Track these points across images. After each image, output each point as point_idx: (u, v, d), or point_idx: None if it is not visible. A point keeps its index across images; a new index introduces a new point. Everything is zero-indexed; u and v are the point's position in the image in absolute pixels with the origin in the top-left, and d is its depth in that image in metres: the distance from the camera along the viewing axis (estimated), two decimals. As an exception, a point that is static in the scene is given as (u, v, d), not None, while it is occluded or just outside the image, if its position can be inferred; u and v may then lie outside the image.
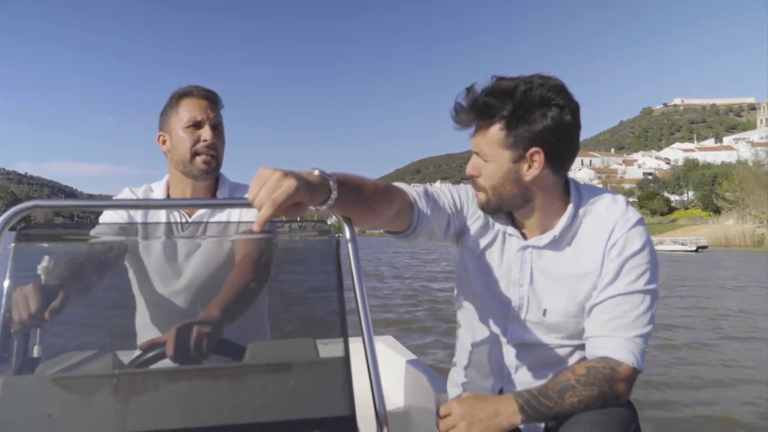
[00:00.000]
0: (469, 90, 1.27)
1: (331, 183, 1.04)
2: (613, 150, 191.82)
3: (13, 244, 1.02)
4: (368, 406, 0.97)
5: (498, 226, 1.41)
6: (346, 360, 0.98)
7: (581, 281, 1.31)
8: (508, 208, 1.35)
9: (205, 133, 1.59)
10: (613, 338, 1.23)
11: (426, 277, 18.18)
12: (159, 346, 1.11)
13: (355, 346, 0.98)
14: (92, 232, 1.33)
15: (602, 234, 1.29)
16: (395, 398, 2.06)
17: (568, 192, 1.36)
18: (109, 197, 1.01)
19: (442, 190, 1.44)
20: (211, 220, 1.66)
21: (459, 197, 1.43)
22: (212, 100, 1.63)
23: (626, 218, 1.30)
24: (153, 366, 1.08)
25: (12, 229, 0.99)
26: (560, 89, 1.24)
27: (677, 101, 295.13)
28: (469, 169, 1.34)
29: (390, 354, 2.19)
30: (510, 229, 1.39)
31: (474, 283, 1.44)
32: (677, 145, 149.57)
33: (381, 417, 0.96)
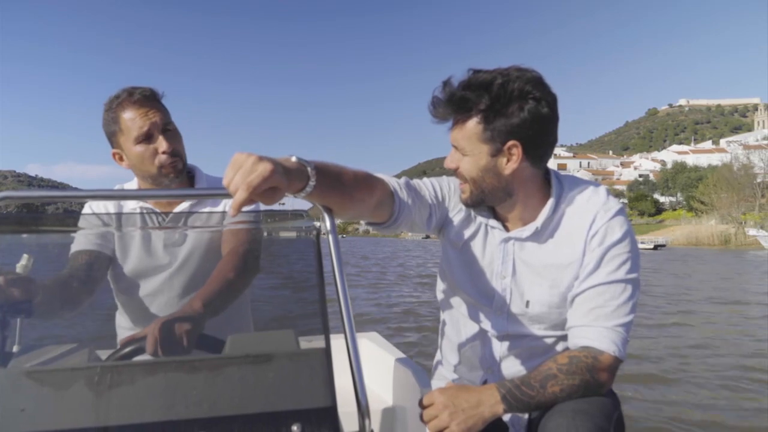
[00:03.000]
0: (446, 83, 1.25)
1: (309, 170, 1.02)
2: (611, 152, 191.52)
3: None
4: (351, 402, 0.96)
5: (480, 218, 1.41)
6: (327, 351, 0.96)
7: (563, 272, 1.31)
8: (490, 202, 1.35)
9: (161, 144, 1.49)
10: (595, 327, 1.23)
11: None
12: (138, 341, 1.10)
13: (337, 342, 0.97)
14: (78, 224, 1.34)
15: (583, 224, 1.29)
16: (381, 394, 2.02)
17: (549, 183, 1.35)
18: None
19: (424, 182, 1.44)
20: (191, 213, 1.61)
21: (441, 189, 1.43)
22: (150, 100, 1.50)
23: (607, 208, 1.29)
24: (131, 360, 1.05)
25: None
26: (537, 81, 1.23)
27: (682, 102, 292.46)
28: (448, 162, 1.34)
29: (374, 350, 2.14)
30: (492, 222, 1.39)
31: (457, 275, 1.44)
32: (674, 147, 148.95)
33: (363, 408, 0.95)
